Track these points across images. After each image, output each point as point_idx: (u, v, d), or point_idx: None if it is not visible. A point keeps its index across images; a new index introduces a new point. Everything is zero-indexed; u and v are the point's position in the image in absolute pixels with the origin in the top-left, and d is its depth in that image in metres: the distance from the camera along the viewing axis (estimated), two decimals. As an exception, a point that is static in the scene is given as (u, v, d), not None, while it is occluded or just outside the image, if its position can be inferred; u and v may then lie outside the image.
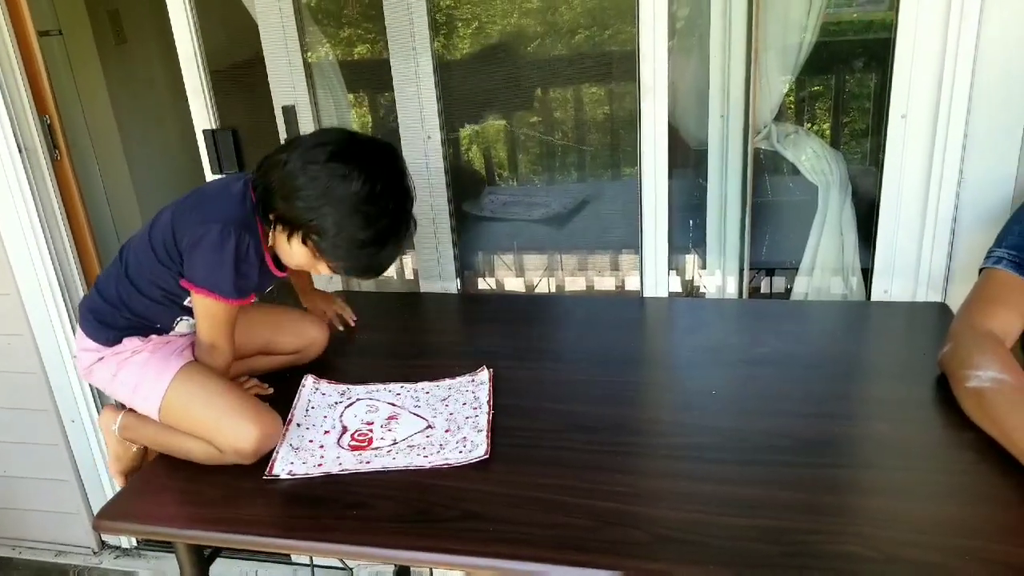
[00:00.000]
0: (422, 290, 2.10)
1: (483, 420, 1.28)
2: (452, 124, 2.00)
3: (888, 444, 1.19)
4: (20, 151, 2.03)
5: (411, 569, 2.07)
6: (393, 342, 1.67)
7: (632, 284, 2.73)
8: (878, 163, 1.67)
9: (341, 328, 1.65)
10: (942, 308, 1.63)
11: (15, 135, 2.02)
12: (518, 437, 1.25)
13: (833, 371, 1.41)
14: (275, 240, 1.27)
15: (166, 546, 2.45)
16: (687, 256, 2.19)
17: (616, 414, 1.30)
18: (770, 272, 2.22)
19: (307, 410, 1.37)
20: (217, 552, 1.32)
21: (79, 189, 2.19)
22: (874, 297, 1.74)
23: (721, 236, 1.90)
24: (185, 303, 1.32)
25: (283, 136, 1.98)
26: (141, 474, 1.30)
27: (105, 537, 2.50)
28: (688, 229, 2.02)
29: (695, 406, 1.33)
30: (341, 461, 1.22)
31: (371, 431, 1.31)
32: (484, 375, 1.43)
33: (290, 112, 1.96)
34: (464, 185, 2.19)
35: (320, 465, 1.21)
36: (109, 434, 1.40)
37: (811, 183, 1.84)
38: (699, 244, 1.98)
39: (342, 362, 1.52)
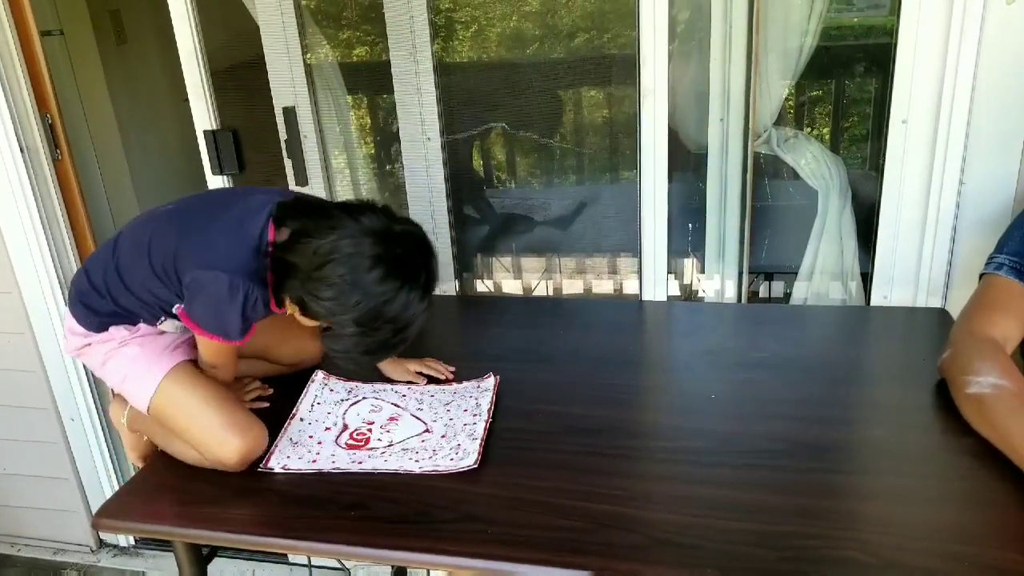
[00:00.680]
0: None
1: (480, 428, 1.27)
2: (451, 126, 2.00)
3: (887, 449, 1.19)
4: (22, 150, 2.03)
5: (408, 570, 2.07)
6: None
7: (631, 287, 2.73)
8: (878, 168, 1.67)
9: (447, 375, 1.48)
10: (942, 314, 1.63)
11: (17, 134, 2.02)
12: (516, 439, 1.26)
13: (832, 376, 1.41)
14: (287, 304, 1.22)
15: (164, 545, 2.45)
16: (686, 260, 2.19)
17: (614, 417, 1.30)
18: (769, 276, 2.22)
19: (312, 405, 1.38)
20: (215, 551, 1.31)
21: (80, 189, 2.19)
22: (874, 302, 1.74)
23: (720, 240, 1.90)
24: (174, 310, 1.28)
25: (283, 136, 1.98)
26: (140, 473, 1.30)
27: (103, 535, 2.50)
28: (687, 233, 2.02)
29: (693, 410, 1.33)
30: (335, 459, 1.23)
31: (370, 431, 1.31)
32: (490, 382, 1.43)
33: (290, 113, 1.96)
34: (463, 187, 2.19)
35: (314, 462, 1.22)
36: (120, 426, 1.41)
37: (811, 188, 1.84)
38: (698, 248, 1.98)
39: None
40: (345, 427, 1.32)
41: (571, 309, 1.90)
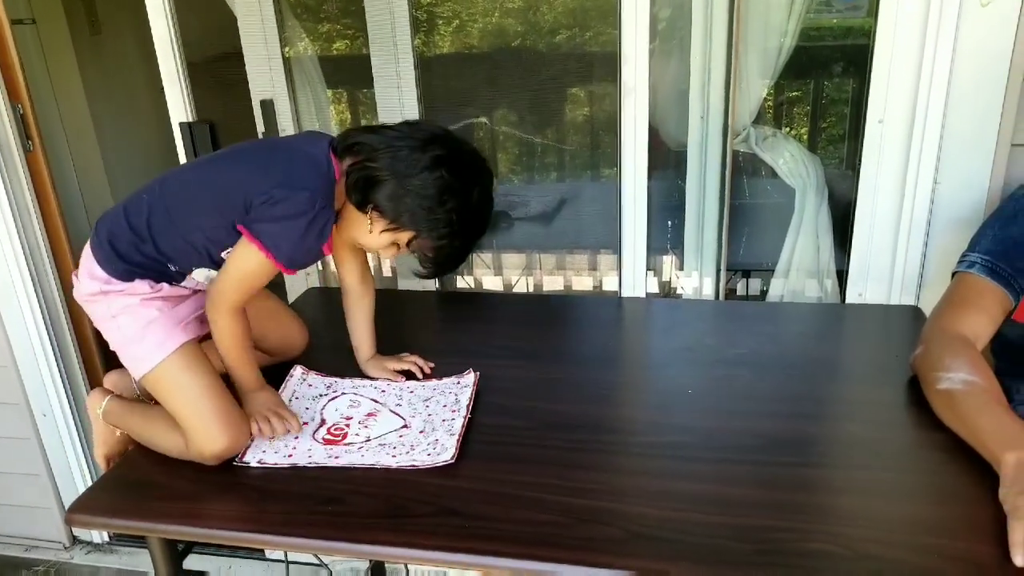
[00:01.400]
0: (400, 288, 2.09)
1: (458, 424, 1.27)
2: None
3: (860, 444, 1.20)
4: (-8, 141, 2.00)
5: (385, 565, 2.06)
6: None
7: (610, 284, 2.75)
8: (854, 167, 1.70)
9: (427, 371, 1.48)
10: (915, 311, 1.65)
11: (-13, 124, 1.99)
12: (494, 435, 1.26)
13: (807, 372, 1.43)
14: (356, 224, 1.25)
15: (138, 541, 2.42)
16: (665, 257, 2.21)
17: (593, 413, 1.30)
18: (746, 274, 2.24)
19: (291, 400, 1.37)
20: (191, 547, 1.30)
21: (52, 181, 2.16)
22: (848, 300, 1.76)
23: (699, 237, 1.91)
24: (220, 255, 1.26)
25: (261, 130, 1.97)
26: (114, 468, 1.29)
27: (76, 532, 2.48)
28: (667, 230, 2.03)
29: (671, 405, 1.34)
30: (312, 454, 1.22)
31: (348, 426, 1.30)
32: (470, 378, 1.42)
33: (268, 106, 1.94)
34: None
35: (290, 456, 1.21)
36: (95, 417, 1.38)
37: (788, 186, 1.86)
38: (677, 245, 1.99)
39: (320, 359, 1.52)
40: (323, 422, 1.31)
41: (551, 306, 1.90)
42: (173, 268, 1.28)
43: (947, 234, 1.62)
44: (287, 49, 1.95)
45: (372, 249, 1.30)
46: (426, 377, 1.45)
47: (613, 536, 1.01)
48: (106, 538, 2.48)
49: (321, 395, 1.39)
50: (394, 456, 1.20)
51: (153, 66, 1.96)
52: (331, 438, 1.27)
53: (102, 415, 1.37)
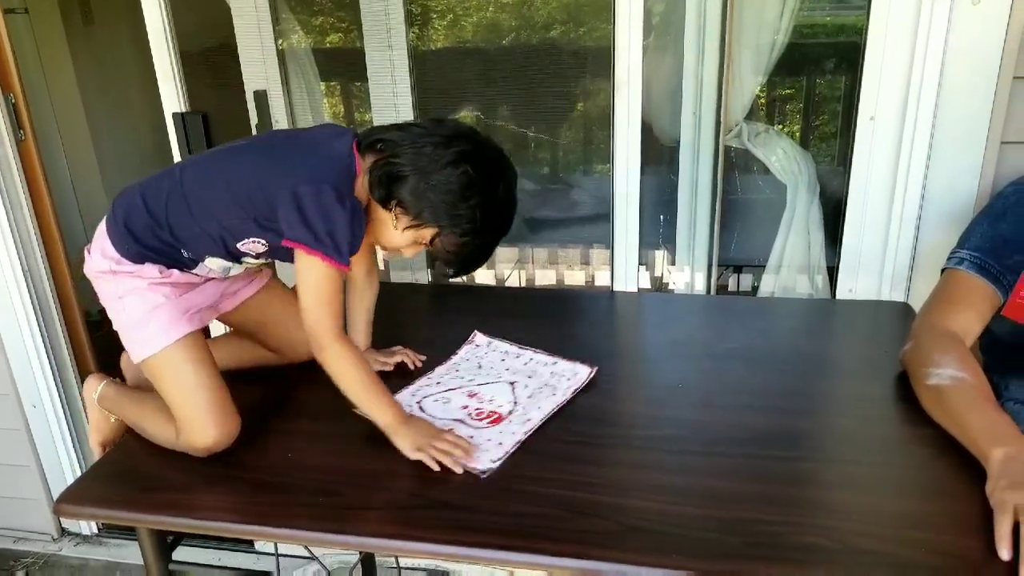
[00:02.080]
0: (392, 280, 2.09)
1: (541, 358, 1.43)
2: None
3: (849, 439, 1.21)
4: (-17, 130, 1.99)
5: (376, 557, 2.07)
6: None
7: (602, 279, 2.75)
8: (846, 164, 1.70)
9: (419, 365, 1.47)
10: (905, 307, 1.66)
11: (-22, 114, 1.98)
12: (487, 427, 1.26)
13: (797, 367, 1.44)
14: (381, 224, 1.23)
15: (127, 533, 2.42)
16: (657, 252, 2.21)
17: (584, 405, 1.31)
18: (738, 269, 2.25)
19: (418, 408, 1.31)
20: (180, 538, 1.30)
21: (44, 172, 2.15)
22: (839, 295, 1.77)
23: (691, 232, 1.92)
24: (235, 246, 1.25)
25: (254, 121, 1.96)
26: (104, 458, 1.28)
27: (65, 524, 2.47)
28: (659, 225, 2.04)
29: (662, 399, 1.34)
30: (513, 433, 1.21)
31: (481, 409, 1.29)
32: (480, 338, 1.53)
33: (261, 97, 1.94)
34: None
35: (501, 444, 1.19)
36: (91, 403, 1.38)
37: (780, 182, 1.87)
38: (669, 240, 2.00)
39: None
40: (460, 421, 1.26)
41: (543, 300, 1.91)
42: (187, 254, 1.28)
43: (937, 231, 1.63)
44: (281, 41, 1.94)
45: (395, 247, 1.27)
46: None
47: (606, 529, 1.01)
48: (95, 530, 2.48)
49: (408, 407, 1.30)
50: (552, 395, 1.31)
51: (146, 56, 1.95)
52: (492, 421, 1.26)
53: (97, 400, 1.37)
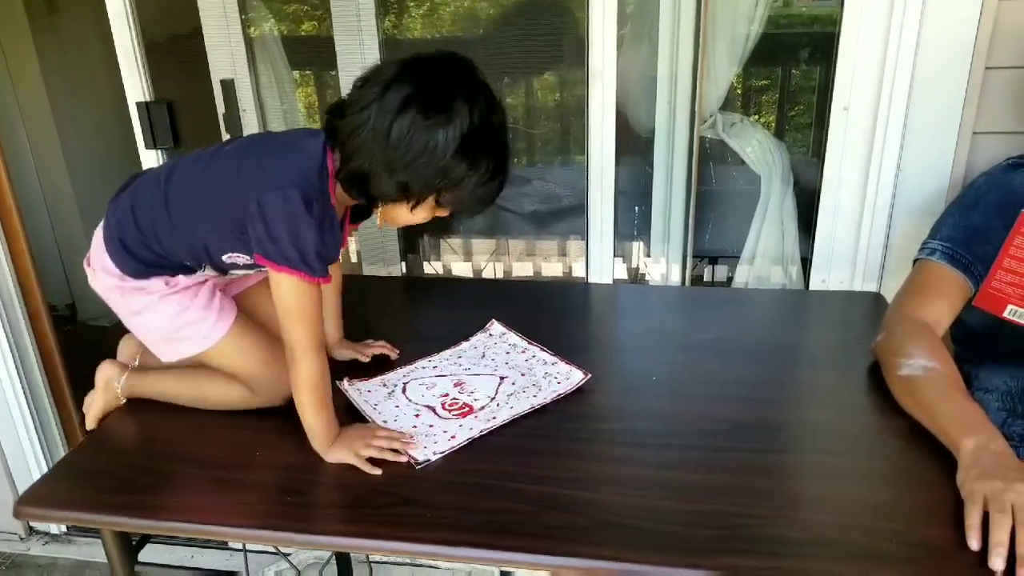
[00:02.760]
0: (365, 273, 2.07)
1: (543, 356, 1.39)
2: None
3: (821, 429, 1.21)
4: (-60, 120, 1.93)
5: (351, 556, 2.05)
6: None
7: (580, 270, 2.74)
8: (820, 155, 1.70)
9: (394, 356, 1.46)
10: (877, 297, 1.67)
11: (-65, 103, 1.92)
12: (458, 422, 1.24)
13: (770, 358, 1.43)
14: (397, 210, 1.16)
15: (97, 532, 2.37)
16: (632, 243, 2.20)
17: (557, 399, 1.30)
18: (712, 260, 2.25)
19: (375, 406, 1.28)
20: (146, 539, 1.27)
21: (7, 169, 2.09)
22: (812, 286, 1.77)
23: (666, 224, 1.91)
24: (221, 259, 1.22)
25: (221, 111, 1.92)
26: (66, 458, 1.25)
27: (33, 523, 2.42)
28: (634, 216, 2.03)
29: (636, 391, 1.33)
30: (471, 428, 1.19)
31: (457, 400, 1.28)
32: (496, 328, 1.53)
33: (229, 86, 1.90)
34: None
35: (453, 438, 1.17)
36: (105, 388, 1.33)
37: (754, 173, 1.86)
38: (644, 231, 1.99)
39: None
40: (430, 408, 1.26)
41: (518, 291, 1.89)
42: (186, 262, 1.25)
43: (909, 221, 1.63)
44: (250, 29, 1.90)
45: (422, 221, 1.19)
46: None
47: (578, 524, 1.00)
48: (63, 529, 2.43)
49: (391, 393, 1.31)
50: (535, 396, 1.27)
51: (112, 46, 1.90)
52: (461, 413, 1.24)
53: (121, 391, 1.32)
